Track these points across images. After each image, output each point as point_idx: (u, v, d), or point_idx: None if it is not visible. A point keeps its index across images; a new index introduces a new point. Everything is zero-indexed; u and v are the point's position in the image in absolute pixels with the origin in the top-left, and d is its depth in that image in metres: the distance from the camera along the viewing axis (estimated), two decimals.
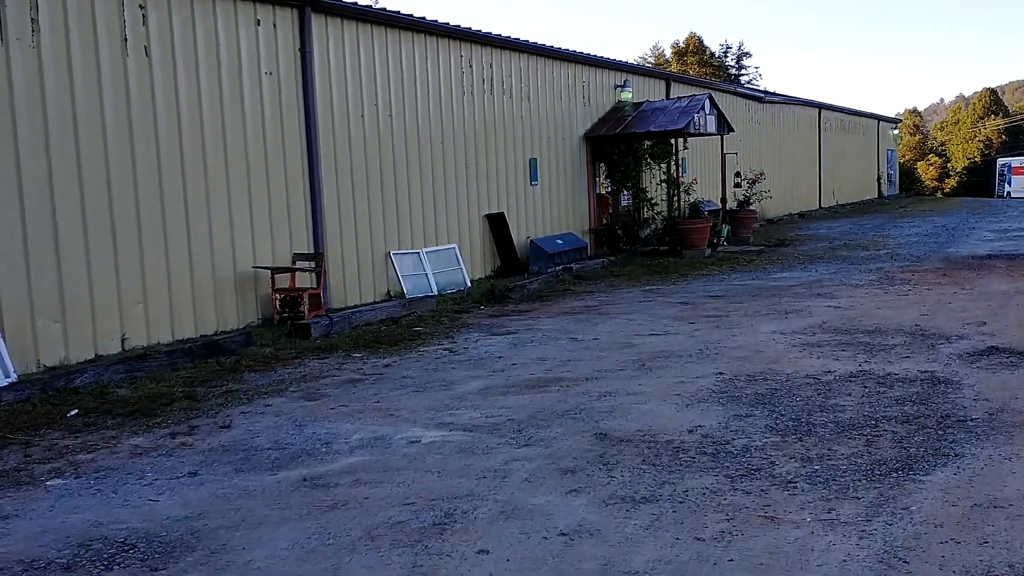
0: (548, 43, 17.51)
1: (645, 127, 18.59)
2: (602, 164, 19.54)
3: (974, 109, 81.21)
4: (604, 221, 19.56)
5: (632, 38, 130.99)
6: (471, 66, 15.39)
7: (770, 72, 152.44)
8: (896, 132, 49.34)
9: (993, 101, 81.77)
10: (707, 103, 19.38)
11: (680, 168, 23.90)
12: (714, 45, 79.36)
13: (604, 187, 19.66)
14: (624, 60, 20.41)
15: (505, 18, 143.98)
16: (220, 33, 10.86)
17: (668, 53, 68.63)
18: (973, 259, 16.14)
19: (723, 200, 21.29)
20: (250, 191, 11.20)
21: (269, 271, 11.21)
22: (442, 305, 12.56)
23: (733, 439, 5.92)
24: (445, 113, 14.74)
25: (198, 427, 6.79)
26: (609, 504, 4.84)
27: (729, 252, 18.89)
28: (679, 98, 20.13)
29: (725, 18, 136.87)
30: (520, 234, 16.65)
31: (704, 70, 67.90)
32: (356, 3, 12.86)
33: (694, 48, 70.16)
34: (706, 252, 18.16)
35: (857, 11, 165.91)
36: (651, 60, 69.90)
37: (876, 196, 43.53)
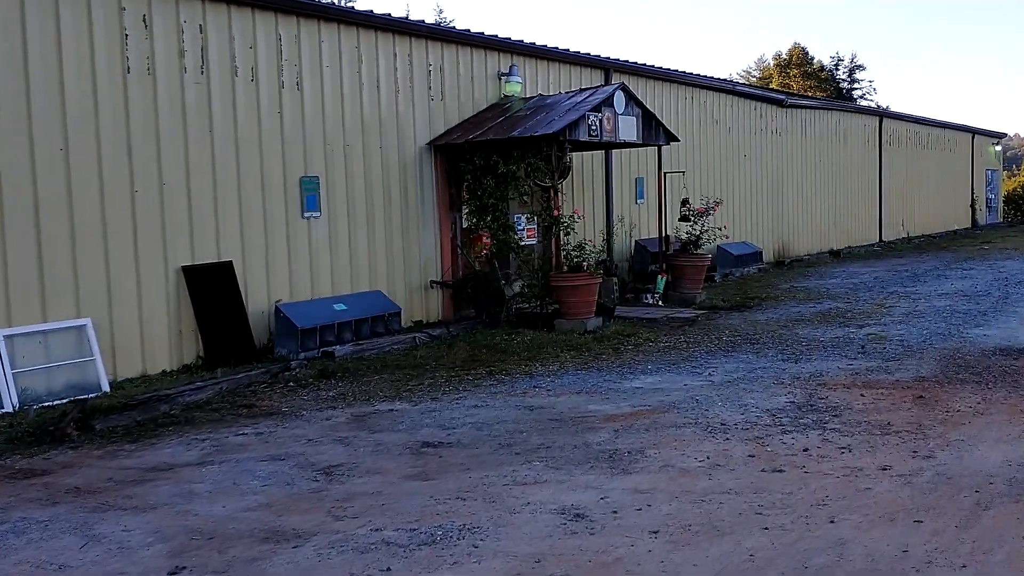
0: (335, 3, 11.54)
1: (507, 132, 12.34)
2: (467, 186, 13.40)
3: None
4: (478, 269, 13.38)
5: (736, 52, 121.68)
6: (147, 26, 9.57)
7: (890, 88, 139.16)
8: (999, 148, 40.71)
9: None
10: (619, 97, 12.98)
11: (636, 191, 17.66)
12: (824, 58, 71.96)
13: (472, 220, 13.46)
14: (510, 38, 14.15)
15: (602, 38, 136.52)
16: None
17: (772, 66, 62.18)
18: (999, 356, 9.27)
19: (663, 239, 14.73)
20: None
21: None
22: None
23: None
24: (76, 102, 8.96)
25: None
26: None
27: (639, 320, 12.39)
28: (581, 90, 13.77)
29: (842, 32, 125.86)
30: (270, 295, 10.70)
31: (807, 83, 60.30)
32: None
33: (798, 60, 63.23)
34: (588, 323, 11.69)
35: (994, 23, 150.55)
36: (755, 74, 62.83)
37: (969, 226, 35.42)
